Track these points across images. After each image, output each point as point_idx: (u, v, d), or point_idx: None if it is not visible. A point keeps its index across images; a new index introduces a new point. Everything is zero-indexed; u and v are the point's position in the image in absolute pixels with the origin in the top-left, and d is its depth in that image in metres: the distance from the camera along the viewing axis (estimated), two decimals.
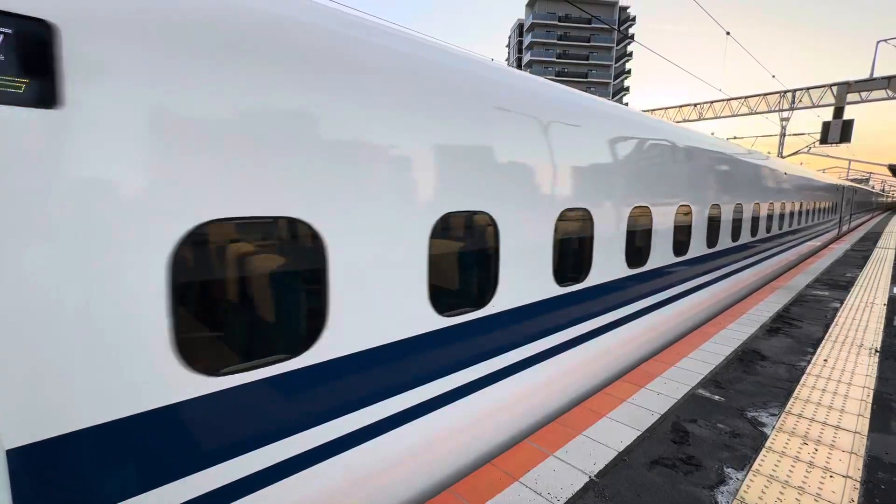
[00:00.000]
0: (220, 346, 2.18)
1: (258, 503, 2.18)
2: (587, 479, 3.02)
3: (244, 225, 2.15)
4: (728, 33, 17.23)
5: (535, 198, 3.52)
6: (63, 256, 1.60)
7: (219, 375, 2.02)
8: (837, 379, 4.76)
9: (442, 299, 2.92)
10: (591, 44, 76.10)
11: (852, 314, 7.43)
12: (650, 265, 5.21)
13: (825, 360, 5.28)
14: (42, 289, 1.57)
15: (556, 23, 73.92)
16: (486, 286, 3.26)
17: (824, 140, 20.39)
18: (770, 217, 10.06)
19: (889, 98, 19.46)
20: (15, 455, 1.57)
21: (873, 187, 69.44)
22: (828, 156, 31.28)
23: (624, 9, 76.59)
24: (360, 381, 2.55)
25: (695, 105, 28.35)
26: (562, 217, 3.73)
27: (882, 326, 6.73)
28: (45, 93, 1.53)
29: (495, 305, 3.28)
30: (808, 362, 5.22)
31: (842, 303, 8.24)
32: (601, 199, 4.21)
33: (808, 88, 23.08)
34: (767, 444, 3.50)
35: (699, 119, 28.20)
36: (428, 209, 2.77)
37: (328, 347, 2.38)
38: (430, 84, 2.80)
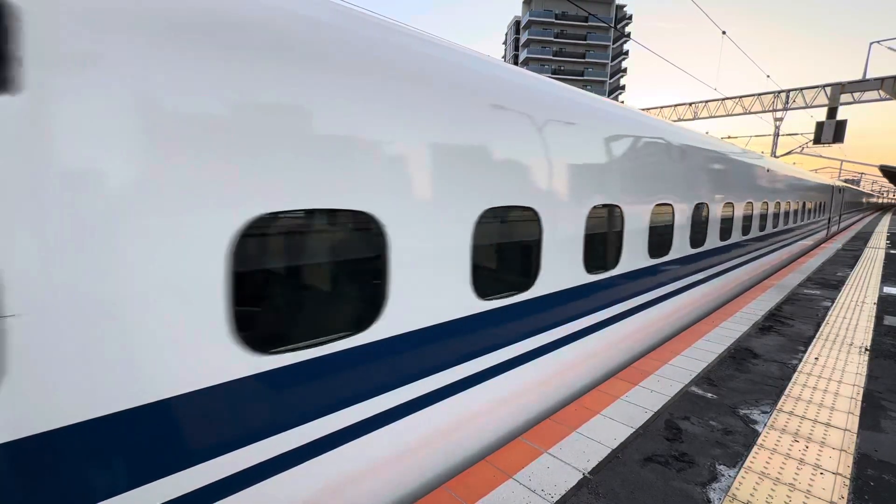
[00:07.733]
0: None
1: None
2: (581, 476, 3.03)
3: None
4: (724, 32, 17.28)
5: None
6: None
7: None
8: (828, 377, 4.81)
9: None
10: (588, 42, 76.08)
11: (843, 313, 7.50)
12: None
13: (816, 359, 5.33)
14: None
15: (552, 20, 73.82)
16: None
17: (818, 140, 20.57)
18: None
19: (881, 99, 19.63)
20: None
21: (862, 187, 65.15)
22: (820, 156, 31.55)
23: (620, 7, 76.61)
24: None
25: (690, 104, 28.45)
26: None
27: (872, 325, 6.80)
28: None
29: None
30: (800, 360, 5.27)
31: (833, 301, 8.32)
32: None
33: (802, 89, 23.23)
34: (759, 441, 3.52)
35: (694, 118, 28.31)
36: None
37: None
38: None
